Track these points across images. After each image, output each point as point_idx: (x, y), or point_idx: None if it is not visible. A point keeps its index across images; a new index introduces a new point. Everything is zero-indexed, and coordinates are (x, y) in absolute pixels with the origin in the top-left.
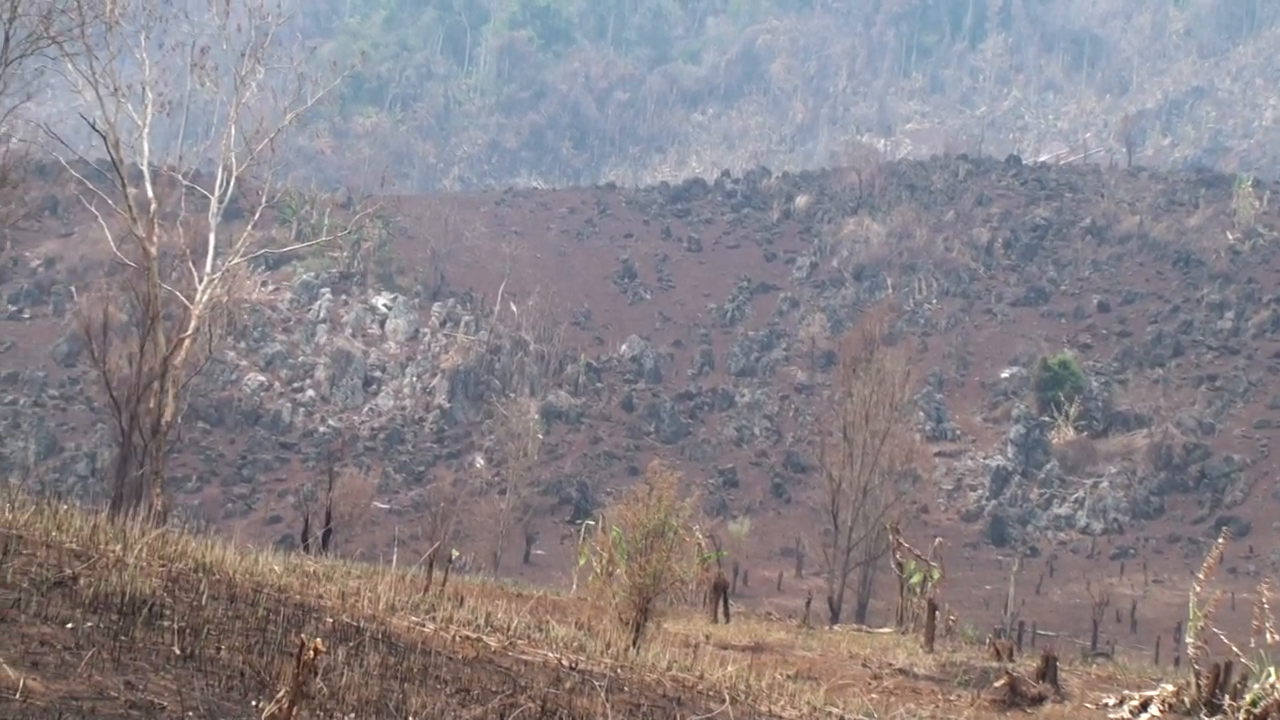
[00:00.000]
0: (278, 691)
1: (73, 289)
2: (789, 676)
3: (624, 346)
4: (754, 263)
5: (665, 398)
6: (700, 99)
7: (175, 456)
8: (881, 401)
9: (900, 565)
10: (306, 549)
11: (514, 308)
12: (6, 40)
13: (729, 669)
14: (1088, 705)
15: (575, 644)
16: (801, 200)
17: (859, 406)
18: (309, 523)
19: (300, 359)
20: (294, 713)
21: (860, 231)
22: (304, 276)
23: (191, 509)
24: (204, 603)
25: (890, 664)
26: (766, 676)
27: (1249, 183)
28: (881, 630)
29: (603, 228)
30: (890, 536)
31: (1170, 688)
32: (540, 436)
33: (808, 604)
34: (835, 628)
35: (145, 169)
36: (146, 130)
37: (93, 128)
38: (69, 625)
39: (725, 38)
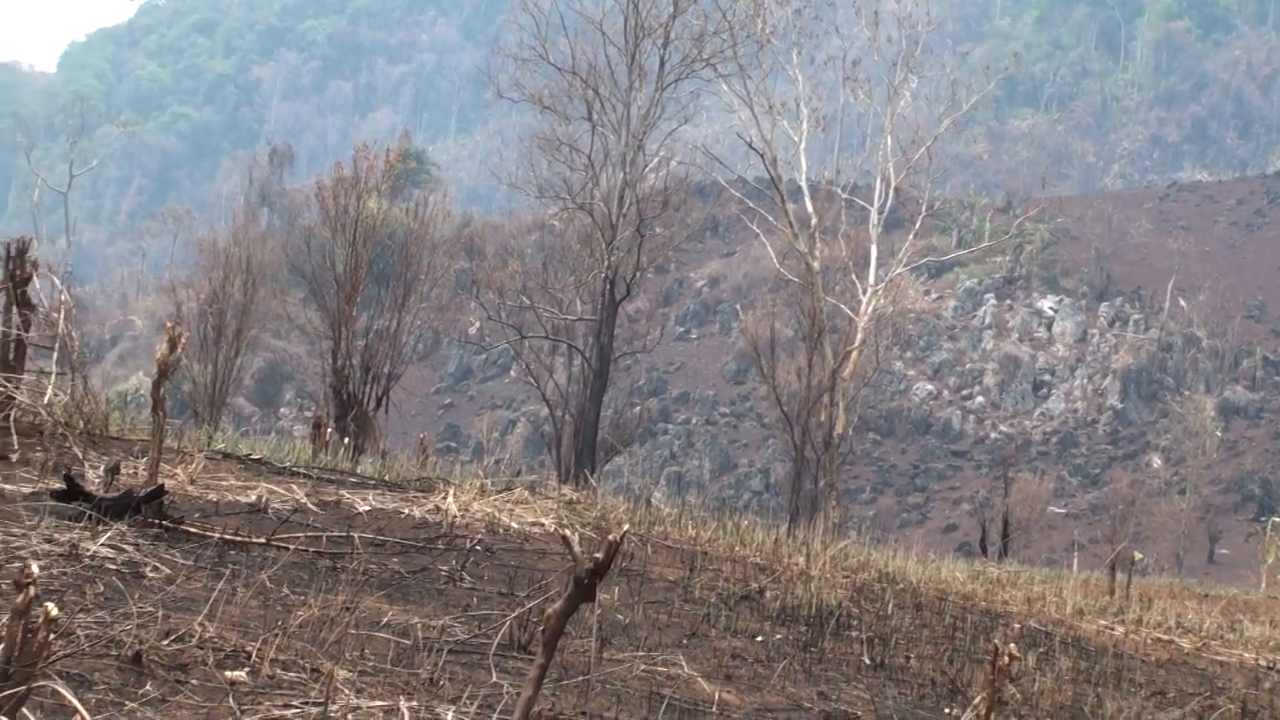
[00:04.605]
0: (970, 698)
1: (738, 307)
2: None
3: None
4: None
5: None
6: None
7: (848, 468)
8: None
9: None
10: (986, 555)
11: (1184, 304)
12: (662, 65)
13: None
14: None
15: (1272, 644)
16: None
17: None
18: (986, 529)
19: (968, 366)
20: (990, 719)
21: None
22: (967, 283)
23: (866, 520)
24: (890, 612)
25: None
26: None
27: None
28: None
29: (1274, 218)
30: None
31: None
32: (1218, 434)
33: None
34: None
35: (804, 184)
36: (803, 146)
37: (750, 146)
38: (758, 638)
39: None
